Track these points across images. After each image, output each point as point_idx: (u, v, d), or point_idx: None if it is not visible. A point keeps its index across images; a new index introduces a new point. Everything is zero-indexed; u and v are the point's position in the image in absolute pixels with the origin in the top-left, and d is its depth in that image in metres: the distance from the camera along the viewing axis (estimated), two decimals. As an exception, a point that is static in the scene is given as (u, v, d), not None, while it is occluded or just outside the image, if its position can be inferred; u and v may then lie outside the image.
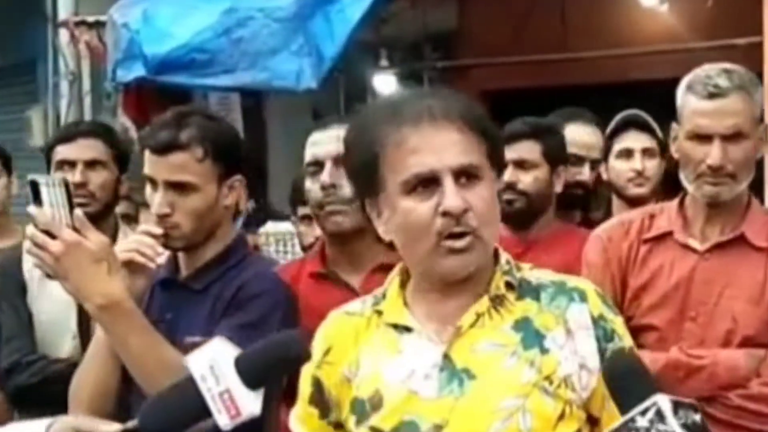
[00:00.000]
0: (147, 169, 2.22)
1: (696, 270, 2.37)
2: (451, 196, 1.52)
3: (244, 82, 5.20)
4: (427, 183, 1.53)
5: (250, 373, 1.49)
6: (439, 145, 1.52)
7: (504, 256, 1.64)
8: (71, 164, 2.92)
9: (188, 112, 2.26)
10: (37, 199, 2.02)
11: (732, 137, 2.31)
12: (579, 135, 3.35)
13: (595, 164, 3.36)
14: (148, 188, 2.24)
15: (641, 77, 5.59)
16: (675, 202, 2.47)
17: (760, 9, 4.49)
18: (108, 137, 3.03)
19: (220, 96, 6.06)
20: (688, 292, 2.35)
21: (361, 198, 1.65)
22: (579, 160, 3.32)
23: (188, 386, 1.51)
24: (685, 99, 2.37)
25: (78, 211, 2.07)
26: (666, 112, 2.57)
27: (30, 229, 2.06)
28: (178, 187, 2.18)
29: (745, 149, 2.32)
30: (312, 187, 2.49)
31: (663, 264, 2.39)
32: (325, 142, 2.44)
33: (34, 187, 2.02)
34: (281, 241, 5.55)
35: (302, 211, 3.50)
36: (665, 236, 2.42)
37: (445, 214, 1.52)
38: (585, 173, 3.34)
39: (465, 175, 1.54)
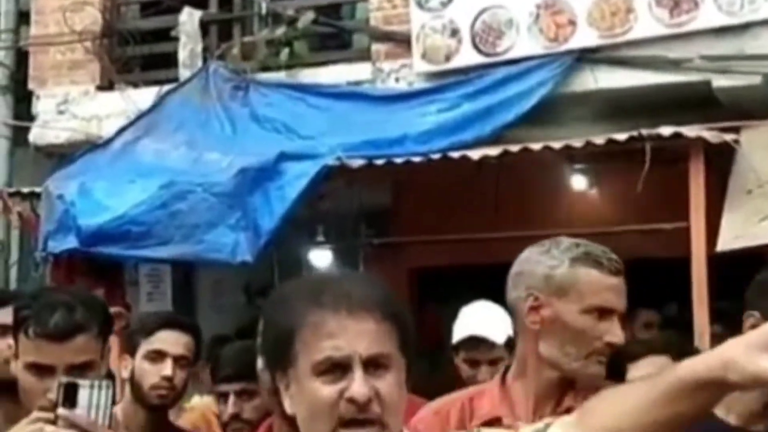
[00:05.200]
0: (41, 358, 2.13)
1: None
2: (359, 384, 1.56)
3: (178, 254, 5.18)
4: (338, 368, 1.57)
5: None
6: (355, 333, 1.58)
7: None
8: None
9: (57, 290, 2.33)
10: (68, 400, 1.95)
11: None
12: None
13: None
14: (30, 376, 2.14)
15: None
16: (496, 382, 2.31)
17: (687, 196, 4.72)
18: None
19: (150, 269, 6.01)
20: None
21: (271, 370, 1.68)
22: None
23: None
24: (580, 271, 2.22)
25: (114, 412, 2.02)
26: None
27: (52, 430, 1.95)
28: (80, 368, 2.13)
29: None
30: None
31: None
32: None
33: (71, 389, 1.96)
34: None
35: (219, 388, 3.32)
36: (492, 423, 2.16)
37: (350, 400, 1.56)
38: None
39: (375, 364, 1.59)
